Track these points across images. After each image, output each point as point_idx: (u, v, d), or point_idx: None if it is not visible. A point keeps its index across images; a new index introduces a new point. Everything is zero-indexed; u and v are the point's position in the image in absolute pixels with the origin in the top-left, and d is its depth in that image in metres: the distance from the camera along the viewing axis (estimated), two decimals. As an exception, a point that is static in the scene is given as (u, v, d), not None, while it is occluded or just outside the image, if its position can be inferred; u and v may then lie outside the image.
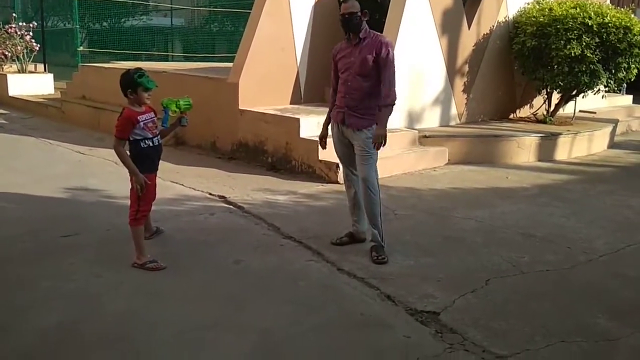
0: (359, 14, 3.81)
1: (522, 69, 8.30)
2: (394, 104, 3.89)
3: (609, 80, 8.05)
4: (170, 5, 18.14)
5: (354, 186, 4.14)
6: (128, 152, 3.64)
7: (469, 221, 4.81)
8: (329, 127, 4.21)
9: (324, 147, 4.26)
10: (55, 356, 2.70)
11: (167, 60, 15.73)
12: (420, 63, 7.31)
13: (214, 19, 19.65)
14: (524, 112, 9.04)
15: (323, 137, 4.25)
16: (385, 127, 3.89)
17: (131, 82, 3.55)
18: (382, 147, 3.90)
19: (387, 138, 3.92)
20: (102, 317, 3.04)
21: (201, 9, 20.53)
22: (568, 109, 8.98)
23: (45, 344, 2.78)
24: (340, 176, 5.71)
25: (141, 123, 3.60)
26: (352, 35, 3.89)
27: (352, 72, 3.89)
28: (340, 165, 4.34)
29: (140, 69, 3.66)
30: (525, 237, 4.45)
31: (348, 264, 3.78)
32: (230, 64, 7.91)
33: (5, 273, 3.55)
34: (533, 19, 7.93)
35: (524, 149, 7.28)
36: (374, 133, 3.86)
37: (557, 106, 8.64)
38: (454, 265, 3.85)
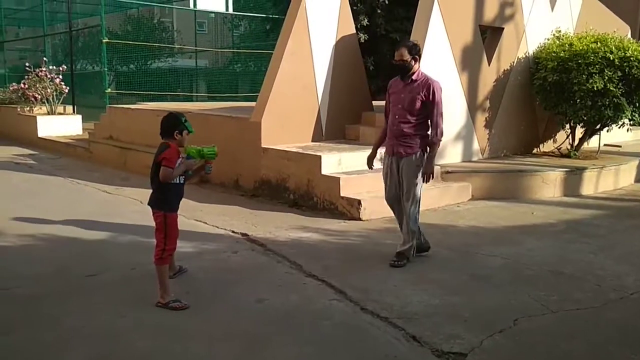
0: (409, 59, 4.30)
1: (544, 104, 8.27)
2: (441, 140, 4.43)
3: (634, 114, 7.98)
4: (195, 48, 18.64)
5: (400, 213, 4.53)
6: (155, 187, 3.73)
7: (494, 258, 4.73)
8: (378, 154, 4.74)
9: (370, 167, 4.73)
10: (78, 397, 2.70)
11: (192, 101, 16.06)
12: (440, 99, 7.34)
13: (237, 59, 20.12)
14: (548, 146, 8.97)
15: (371, 158, 4.70)
16: (433, 163, 4.43)
17: (179, 125, 3.74)
18: (431, 179, 4.45)
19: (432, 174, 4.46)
20: (126, 357, 3.04)
21: (225, 50, 21.06)
22: (592, 142, 8.88)
23: (69, 385, 2.78)
24: (362, 212, 5.79)
25: (179, 160, 3.73)
26: (405, 77, 4.40)
27: (400, 108, 4.41)
28: (387, 196, 4.63)
29: (182, 114, 3.86)
30: (553, 275, 4.35)
31: (372, 304, 3.73)
32: (253, 103, 8.05)
33: (32, 311, 3.58)
34: (554, 54, 7.94)
35: (549, 184, 7.18)
36: (423, 167, 4.38)
37: (582, 140, 8.56)
38: (480, 304, 3.77)
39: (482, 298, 3.87)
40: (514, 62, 8.27)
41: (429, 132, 4.42)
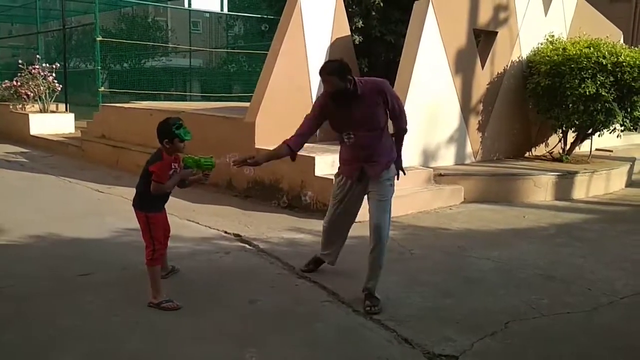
0: (342, 85, 3.68)
1: (537, 108, 8.33)
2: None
3: (625, 119, 8.04)
4: (189, 47, 18.59)
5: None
6: (143, 189, 3.68)
7: (486, 261, 4.76)
8: None
9: None
10: (70, 397, 2.69)
11: (186, 100, 16.00)
12: (434, 102, 7.38)
13: (231, 59, 20.07)
14: (540, 150, 9.03)
15: None
16: None
17: (168, 133, 3.55)
18: None
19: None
20: (119, 356, 3.03)
21: (219, 50, 21.00)
22: (584, 147, 8.94)
23: (60, 385, 2.77)
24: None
25: (172, 170, 3.66)
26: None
27: None
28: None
29: (179, 118, 3.63)
30: (544, 278, 4.38)
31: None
32: (247, 104, 8.04)
33: (24, 311, 3.56)
34: (547, 58, 8.00)
35: (540, 187, 7.23)
36: None
37: (573, 144, 8.62)
38: (472, 306, 3.79)
39: (474, 301, 3.89)
40: (507, 66, 8.32)
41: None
